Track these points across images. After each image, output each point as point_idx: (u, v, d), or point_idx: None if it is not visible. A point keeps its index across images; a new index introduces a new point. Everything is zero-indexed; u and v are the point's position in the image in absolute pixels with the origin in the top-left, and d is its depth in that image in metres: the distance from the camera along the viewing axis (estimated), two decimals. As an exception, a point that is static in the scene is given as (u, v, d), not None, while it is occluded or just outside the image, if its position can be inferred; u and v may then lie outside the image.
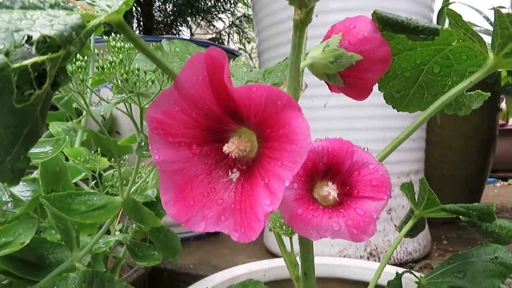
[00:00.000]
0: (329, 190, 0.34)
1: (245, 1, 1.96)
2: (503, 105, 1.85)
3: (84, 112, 0.88)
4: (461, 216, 0.49)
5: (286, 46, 1.09)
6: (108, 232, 0.78)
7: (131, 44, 0.45)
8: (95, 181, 0.63)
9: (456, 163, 1.65)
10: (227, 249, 1.26)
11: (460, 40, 0.39)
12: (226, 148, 0.31)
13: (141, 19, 1.73)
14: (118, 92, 0.44)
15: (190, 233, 1.36)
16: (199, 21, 1.88)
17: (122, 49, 0.43)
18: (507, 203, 2.23)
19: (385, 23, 0.37)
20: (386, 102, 0.46)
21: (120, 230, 0.69)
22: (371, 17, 0.39)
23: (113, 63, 0.40)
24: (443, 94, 0.40)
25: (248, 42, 2.34)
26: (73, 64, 0.40)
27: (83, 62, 0.41)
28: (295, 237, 0.52)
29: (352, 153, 0.36)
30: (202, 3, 1.84)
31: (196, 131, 0.32)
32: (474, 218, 0.47)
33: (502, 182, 3.17)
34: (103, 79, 0.71)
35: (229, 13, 1.96)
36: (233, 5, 1.90)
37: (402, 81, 0.45)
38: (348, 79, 0.39)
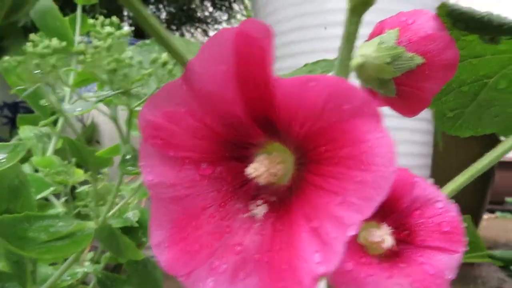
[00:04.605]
0: (383, 235, 0.25)
1: (244, 13, 1.89)
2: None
3: (60, 118, 0.78)
4: (516, 268, 0.40)
5: (288, 59, 1.01)
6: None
7: (124, 31, 0.36)
8: (66, 198, 0.53)
9: (455, 195, 1.59)
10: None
11: (551, 47, 0.30)
12: (251, 170, 0.21)
13: (133, 25, 1.63)
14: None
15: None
16: (193, 30, 1.80)
17: (112, 35, 0.34)
18: (499, 238, 2.17)
19: (457, 18, 0.29)
20: (436, 122, 0.38)
21: (92, 258, 0.59)
22: (436, 10, 0.30)
23: (97, 49, 0.30)
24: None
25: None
26: (40, 45, 0.31)
27: (54, 42, 0.31)
28: None
29: (412, 185, 0.27)
30: (198, 13, 1.76)
31: (209, 143, 0.22)
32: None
33: (489, 215, 3.13)
34: (88, 78, 0.61)
35: (225, 24, 1.88)
36: (230, 16, 1.83)
37: (458, 96, 0.36)
38: (402, 88, 0.31)
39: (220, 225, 0.22)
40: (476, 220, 1.63)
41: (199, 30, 1.77)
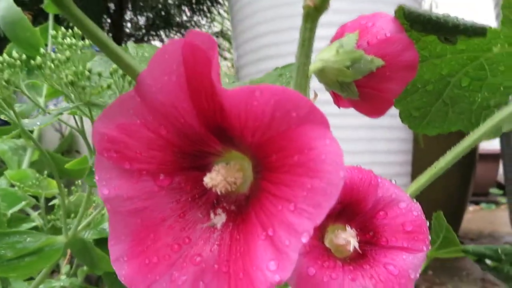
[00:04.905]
0: (347, 238, 0.25)
1: (223, 16, 1.89)
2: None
3: (36, 129, 0.77)
4: (487, 260, 0.41)
5: (265, 61, 1.01)
6: (57, 266, 0.66)
7: (87, 42, 0.35)
8: (39, 211, 0.52)
9: (437, 188, 1.60)
10: None
11: (507, 45, 0.31)
12: (208, 180, 0.21)
13: (110, 30, 1.62)
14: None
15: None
16: (172, 35, 1.79)
17: (74, 46, 0.34)
18: (484, 229, 2.21)
19: (414, 21, 0.29)
20: (402, 121, 0.38)
21: (70, 270, 0.58)
22: (394, 13, 0.31)
23: (56, 61, 0.30)
24: (479, 111, 0.32)
25: (225, 59, 2.26)
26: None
27: (14, 56, 0.30)
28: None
29: (376, 186, 0.27)
30: (177, 17, 1.76)
31: (165, 154, 0.22)
32: (506, 263, 0.39)
33: (474, 206, 3.17)
34: (59, 90, 0.60)
35: (204, 29, 1.88)
36: (209, 20, 1.82)
37: (423, 96, 0.36)
38: (364, 90, 0.31)
39: (180, 236, 0.22)
40: (459, 213, 1.65)
41: (178, 35, 1.76)
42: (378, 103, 0.32)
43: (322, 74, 0.29)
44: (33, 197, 0.57)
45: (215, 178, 0.21)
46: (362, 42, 0.30)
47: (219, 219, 0.22)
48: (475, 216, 2.72)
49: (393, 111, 0.39)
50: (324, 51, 0.30)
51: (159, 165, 0.22)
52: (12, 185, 0.61)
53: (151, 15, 1.61)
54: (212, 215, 0.22)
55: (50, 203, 0.53)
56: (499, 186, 3.33)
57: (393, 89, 0.31)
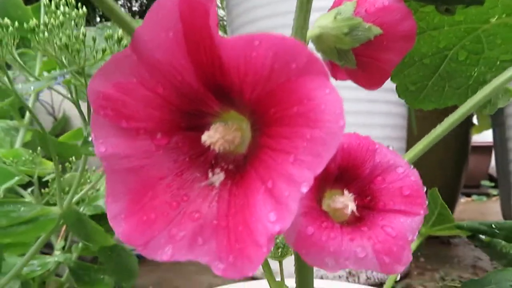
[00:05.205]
0: (345, 201, 0.25)
1: (218, 4, 1.87)
2: (475, 120, 1.84)
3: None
4: (482, 236, 0.41)
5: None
6: (51, 247, 0.66)
7: (80, 12, 0.35)
8: (32, 188, 0.52)
9: (430, 177, 1.61)
10: (192, 265, 1.14)
11: (504, 15, 0.31)
12: (206, 138, 0.21)
13: (103, 15, 1.60)
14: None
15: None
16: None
17: (68, 15, 0.33)
18: (474, 220, 2.22)
19: (412, -12, 0.29)
20: (399, 96, 0.38)
21: (64, 247, 0.57)
22: (392, -19, 0.30)
23: (49, 26, 0.29)
24: (476, 86, 0.32)
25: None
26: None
27: (7, 23, 0.30)
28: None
29: (373, 152, 0.27)
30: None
31: (163, 113, 0.22)
32: (499, 238, 0.39)
33: (465, 198, 3.19)
34: (53, 68, 0.60)
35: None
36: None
37: (419, 69, 0.36)
38: (362, 59, 0.31)
39: (178, 194, 0.21)
40: (452, 203, 1.66)
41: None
42: (375, 74, 0.32)
43: (319, 41, 0.29)
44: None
45: (213, 136, 0.21)
46: (360, 10, 0.30)
47: (217, 178, 0.22)
48: (466, 207, 2.75)
49: (390, 85, 0.39)
50: (321, 18, 0.29)
51: (156, 124, 0.22)
52: (5, 164, 0.60)
53: (144, 0, 1.59)
54: (210, 174, 0.22)
55: (44, 179, 0.53)
56: (491, 178, 3.36)
57: (390, 59, 0.31)
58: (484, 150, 3.23)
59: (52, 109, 1.01)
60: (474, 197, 3.23)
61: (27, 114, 0.74)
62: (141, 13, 1.69)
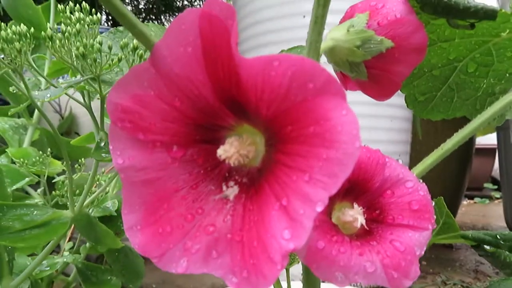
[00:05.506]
0: (355, 215, 0.25)
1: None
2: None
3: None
4: (486, 246, 0.41)
5: (268, 47, 1.01)
6: (58, 246, 0.66)
7: (95, 17, 0.35)
8: (42, 188, 0.52)
9: (434, 180, 1.61)
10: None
11: (516, 29, 0.31)
12: (221, 152, 0.21)
13: (110, 13, 1.60)
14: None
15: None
16: (172, 19, 1.78)
17: (82, 21, 0.33)
18: (477, 222, 2.23)
19: (424, 2, 0.29)
20: (407, 106, 0.38)
21: (72, 248, 0.58)
22: (405, -5, 0.31)
23: (66, 34, 0.30)
24: (484, 98, 0.32)
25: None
26: (8, 29, 0.30)
27: (22, 29, 0.30)
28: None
29: (383, 165, 0.27)
30: (178, 2, 1.74)
31: (179, 126, 0.23)
32: (504, 248, 0.40)
33: (468, 201, 3.19)
34: (62, 68, 0.60)
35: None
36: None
37: (429, 80, 0.37)
38: (372, 71, 0.31)
39: (193, 206, 0.22)
40: (454, 206, 1.67)
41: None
42: (385, 86, 0.32)
43: (332, 53, 0.29)
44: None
45: (229, 150, 0.21)
46: (372, 23, 0.30)
47: (231, 191, 0.22)
48: (469, 210, 2.74)
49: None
50: (334, 30, 0.30)
51: (173, 136, 0.23)
52: (13, 163, 0.61)
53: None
54: (224, 187, 0.22)
55: (53, 181, 0.53)
56: (494, 181, 3.35)
57: (401, 72, 0.32)
58: (487, 152, 3.22)
59: (58, 107, 1.01)
60: (477, 199, 3.22)
61: (36, 113, 0.74)
62: (148, 11, 1.70)
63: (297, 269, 0.37)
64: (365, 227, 0.26)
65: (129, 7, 1.69)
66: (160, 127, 0.22)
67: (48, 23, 0.70)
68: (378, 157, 0.27)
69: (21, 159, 0.51)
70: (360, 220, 0.25)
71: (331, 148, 0.17)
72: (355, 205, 0.26)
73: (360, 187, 0.27)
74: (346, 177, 0.17)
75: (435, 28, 0.33)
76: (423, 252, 0.25)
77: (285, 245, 0.18)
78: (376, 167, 0.27)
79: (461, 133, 0.29)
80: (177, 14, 1.77)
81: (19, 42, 0.29)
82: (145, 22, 1.84)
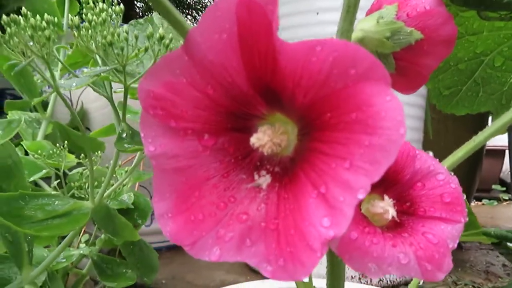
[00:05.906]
0: (385, 207, 0.25)
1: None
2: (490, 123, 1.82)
3: (50, 102, 0.77)
4: (509, 243, 0.41)
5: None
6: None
7: (117, 8, 0.35)
8: (58, 180, 0.52)
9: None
10: (205, 261, 1.15)
11: (547, 22, 0.30)
12: (255, 140, 0.21)
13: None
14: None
15: (162, 242, 1.23)
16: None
17: (106, 12, 0.33)
18: (485, 224, 2.21)
19: (455, -7, 0.29)
20: (431, 100, 0.38)
21: (88, 241, 0.58)
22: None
23: (92, 23, 0.30)
24: (510, 93, 0.31)
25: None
26: (35, 18, 0.30)
27: (50, 16, 0.30)
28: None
29: (414, 157, 0.27)
30: None
31: (210, 114, 0.22)
32: (528, 247, 0.39)
33: (476, 202, 3.17)
34: (78, 62, 0.60)
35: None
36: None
37: (454, 74, 0.36)
38: (400, 63, 0.31)
39: (224, 195, 0.22)
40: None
41: (188, 17, 1.75)
42: (412, 78, 0.32)
43: (361, 44, 0.29)
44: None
45: (262, 138, 0.21)
46: (402, 14, 0.30)
47: (263, 180, 0.22)
48: (477, 211, 2.72)
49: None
50: (364, 21, 0.29)
51: (204, 124, 0.22)
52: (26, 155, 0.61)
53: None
54: (256, 176, 0.22)
55: (70, 173, 0.53)
56: (502, 183, 3.32)
57: (429, 64, 0.31)
58: (496, 154, 3.19)
59: (70, 102, 1.01)
60: (485, 201, 3.20)
61: (49, 106, 0.74)
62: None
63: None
64: (396, 219, 0.25)
65: (139, 4, 1.69)
66: (191, 114, 0.22)
67: (62, 17, 0.70)
68: (409, 149, 0.27)
69: (39, 152, 0.51)
70: (391, 212, 0.25)
71: (374, 135, 0.17)
72: (386, 197, 0.26)
73: (390, 179, 0.27)
74: (389, 164, 0.17)
75: (463, 21, 0.33)
76: (455, 245, 0.24)
77: (325, 233, 0.18)
78: (406, 159, 0.27)
79: (494, 125, 0.28)
80: (186, 11, 1.77)
81: (49, 30, 0.28)
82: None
